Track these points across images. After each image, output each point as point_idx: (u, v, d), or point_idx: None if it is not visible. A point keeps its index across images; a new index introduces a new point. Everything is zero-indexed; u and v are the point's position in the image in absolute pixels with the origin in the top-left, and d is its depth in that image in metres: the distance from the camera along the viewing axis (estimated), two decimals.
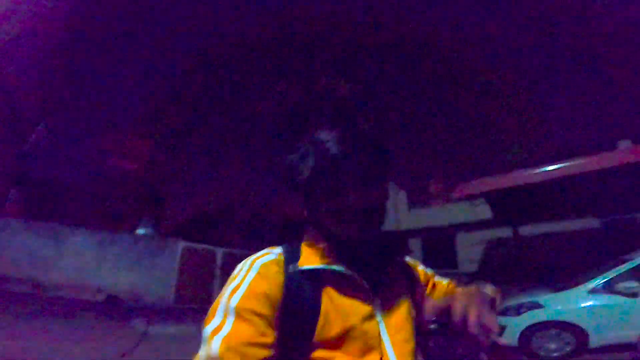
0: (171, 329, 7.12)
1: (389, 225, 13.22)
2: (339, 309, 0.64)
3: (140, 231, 13.28)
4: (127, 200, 14.34)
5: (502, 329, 5.00)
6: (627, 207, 7.70)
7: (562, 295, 4.83)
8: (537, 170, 8.10)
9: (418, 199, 14.36)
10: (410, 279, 0.83)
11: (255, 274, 0.63)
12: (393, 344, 0.66)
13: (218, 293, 0.63)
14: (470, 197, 10.50)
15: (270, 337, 0.58)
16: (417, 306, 0.80)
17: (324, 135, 0.68)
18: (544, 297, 4.92)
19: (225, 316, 0.58)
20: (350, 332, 0.62)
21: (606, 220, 8.25)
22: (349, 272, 0.67)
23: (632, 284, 4.20)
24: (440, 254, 11.17)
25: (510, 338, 4.83)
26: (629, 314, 4.17)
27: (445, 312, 0.72)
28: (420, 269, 0.91)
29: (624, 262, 4.67)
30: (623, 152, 6.97)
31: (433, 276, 0.93)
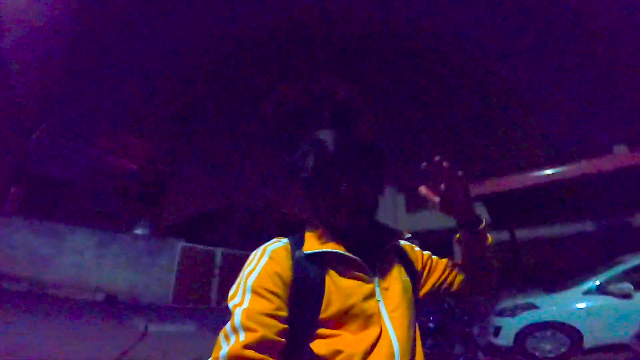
0: (171, 327, 7.12)
1: None
2: (340, 289, 0.70)
3: (138, 231, 13.29)
4: (126, 199, 14.35)
5: (498, 329, 5.07)
6: (622, 210, 7.79)
7: (557, 296, 4.89)
8: (534, 174, 8.19)
9: (416, 203, 14.44)
10: (407, 259, 0.90)
11: (267, 259, 0.70)
12: (392, 320, 0.72)
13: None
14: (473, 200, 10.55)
15: (284, 312, 0.65)
16: (414, 285, 0.87)
17: (322, 135, 0.76)
18: (539, 299, 4.99)
19: (244, 293, 0.65)
20: (352, 310, 0.68)
21: (601, 224, 8.34)
22: (349, 254, 0.74)
23: (626, 286, 4.27)
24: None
25: (505, 339, 4.90)
26: (622, 315, 4.23)
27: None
28: (417, 250, 0.98)
29: (617, 264, 4.75)
30: (618, 157, 7.06)
31: (430, 256, 1.00)
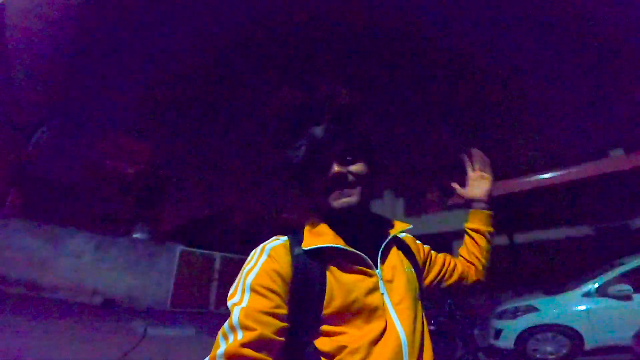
0: (169, 331, 7.08)
1: None
2: (342, 284, 0.69)
3: (137, 235, 13.24)
4: (125, 203, 14.31)
5: (499, 332, 5.08)
6: (620, 214, 7.84)
7: (557, 299, 4.92)
8: (532, 178, 8.25)
9: (414, 207, 14.48)
10: (409, 251, 0.90)
11: (266, 257, 0.69)
12: (398, 313, 0.71)
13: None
14: (466, 205, 10.61)
15: (284, 310, 0.64)
16: (417, 275, 0.86)
17: (315, 129, 0.76)
18: (539, 301, 5.01)
19: (243, 292, 0.64)
20: (355, 304, 0.67)
21: (599, 227, 8.38)
22: (349, 248, 0.72)
23: (625, 287, 4.30)
24: None
25: (506, 341, 4.91)
26: (622, 316, 4.26)
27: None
28: (418, 242, 0.98)
29: (616, 266, 4.79)
30: (615, 161, 7.13)
31: (430, 250, 1.01)
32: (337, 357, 0.64)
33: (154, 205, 16.02)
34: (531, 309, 4.94)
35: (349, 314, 0.67)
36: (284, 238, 0.76)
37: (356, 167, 0.74)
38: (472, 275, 1.07)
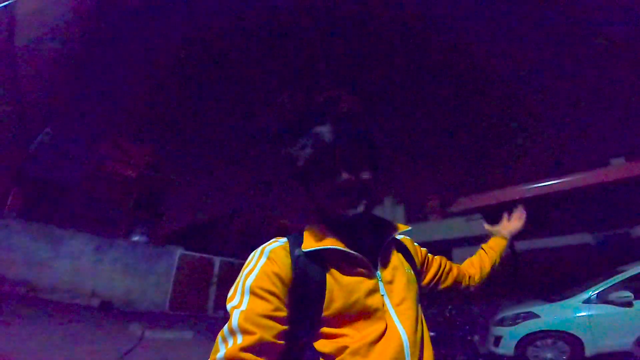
0: (168, 334, 7.03)
1: None
2: (342, 286, 0.69)
3: (136, 237, 13.22)
4: (125, 206, 14.31)
5: (499, 338, 5.04)
6: (621, 222, 7.83)
7: (557, 305, 4.88)
8: (533, 186, 8.25)
9: (415, 214, 14.47)
10: (408, 252, 0.90)
11: (266, 259, 0.69)
12: (398, 314, 0.71)
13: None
14: (467, 213, 10.62)
15: (284, 313, 0.63)
16: (416, 276, 0.86)
17: (320, 129, 0.74)
18: (539, 308, 4.97)
19: (242, 295, 0.64)
20: (355, 306, 0.67)
21: (600, 235, 8.36)
22: (349, 250, 0.72)
23: (626, 294, 4.28)
24: None
25: (506, 348, 4.87)
26: (623, 322, 4.23)
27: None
28: (416, 244, 0.99)
29: (617, 273, 4.77)
30: (616, 169, 7.14)
31: (427, 252, 1.02)
32: (338, 359, 0.64)
33: (154, 209, 16.02)
34: (531, 315, 4.90)
35: (349, 315, 0.67)
36: (284, 240, 0.76)
37: (364, 175, 0.73)
38: (467, 282, 1.10)
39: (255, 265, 0.69)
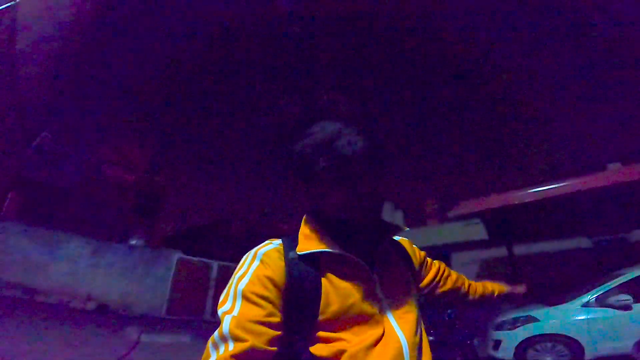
0: (164, 338, 6.97)
1: None
2: (338, 289, 0.67)
3: (134, 241, 13.16)
4: (123, 210, 14.26)
5: (498, 342, 5.02)
6: (618, 226, 7.86)
7: (556, 309, 4.88)
8: (531, 191, 8.26)
9: (414, 219, 14.48)
10: (406, 254, 0.88)
11: (258, 262, 0.67)
12: (396, 317, 0.69)
13: (212, 305, 0.67)
14: (465, 217, 10.63)
15: (277, 318, 0.62)
16: (415, 278, 0.85)
17: (337, 126, 0.71)
18: (538, 312, 4.97)
19: (234, 300, 0.63)
20: (351, 310, 0.65)
21: (597, 240, 8.38)
22: (345, 253, 0.70)
23: (624, 297, 4.28)
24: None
25: (505, 352, 4.85)
26: (622, 325, 4.23)
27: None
28: (415, 246, 0.96)
29: (615, 277, 4.78)
30: (613, 173, 7.18)
31: (426, 256, 1.00)
32: None
33: (152, 212, 15.97)
34: (531, 319, 4.89)
35: (346, 319, 0.65)
36: (277, 242, 0.74)
37: (380, 183, 0.72)
38: (466, 289, 1.11)
39: (247, 269, 0.67)
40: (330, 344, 0.63)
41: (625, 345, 4.12)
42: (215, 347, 0.58)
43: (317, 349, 0.63)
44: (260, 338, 0.58)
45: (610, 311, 4.36)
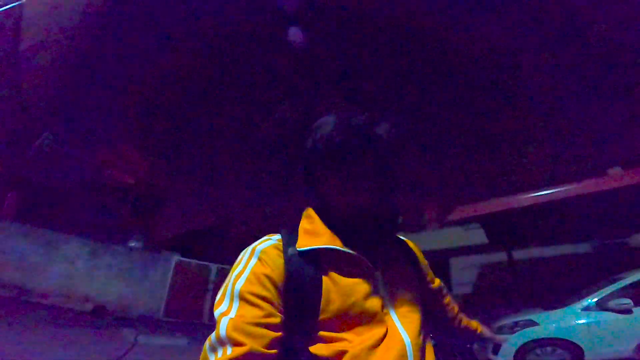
0: (161, 340, 6.92)
1: None
2: (340, 288, 0.64)
3: (132, 244, 13.10)
4: (122, 212, 14.24)
5: (497, 347, 4.98)
6: (618, 230, 7.87)
7: (556, 313, 4.86)
8: (530, 195, 8.29)
9: (412, 223, 14.42)
10: (410, 252, 0.85)
11: (256, 260, 0.65)
12: (400, 316, 0.67)
13: (210, 308, 0.65)
14: (465, 222, 10.64)
15: (276, 319, 0.60)
16: (420, 278, 0.82)
17: (341, 118, 0.72)
18: (538, 315, 4.95)
19: (231, 300, 0.61)
20: (353, 308, 0.63)
21: (597, 244, 8.38)
22: (347, 250, 0.68)
23: (625, 301, 4.26)
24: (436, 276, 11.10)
25: (505, 356, 4.81)
26: (622, 329, 4.21)
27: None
28: (418, 248, 0.93)
29: (615, 281, 4.76)
30: (613, 178, 7.21)
31: (428, 264, 0.96)
32: None
33: (151, 215, 15.93)
34: (530, 323, 4.86)
35: (347, 318, 0.63)
36: (276, 237, 0.72)
37: (383, 177, 0.71)
38: (454, 314, 1.07)
39: (245, 267, 0.65)
40: (331, 344, 0.61)
41: (626, 349, 4.10)
42: (213, 350, 0.56)
43: (317, 349, 0.61)
44: (259, 341, 0.56)
45: (611, 315, 4.34)
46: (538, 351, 4.66)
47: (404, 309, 0.69)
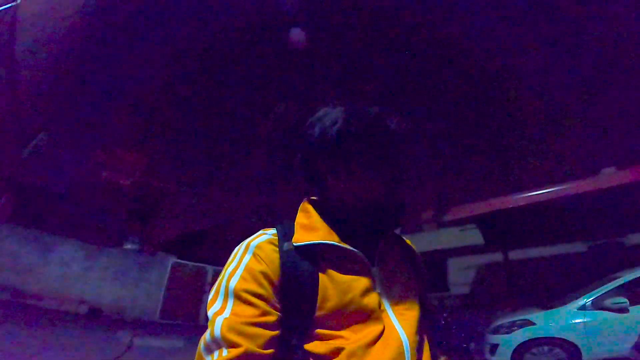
0: (157, 342, 6.88)
1: None
2: (336, 284, 0.63)
3: (128, 246, 13.02)
4: (118, 214, 14.15)
5: (495, 347, 4.99)
6: (613, 230, 7.92)
7: (553, 312, 4.88)
8: (526, 195, 8.34)
9: (409, 224, 14.44)
10: (408, 249, 0.84)
11: (251, 256, 0.64)
12: (397, 314, 0.65)
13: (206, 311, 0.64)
14: (461, 222, 10.68)
15: (273, 317, 0.58)
16: (419, 277, 0.79)
17: (356, 105, 0.72)
18: (535, 315, 4.96)
19: (225, 298, 0.59)
20: (350, 305, 0.62)
21: (593, 244, 8.43)
22: (344, 245, 0.66)
23: (621, 300, 4.28)
24: (432, 277, 11.14)
25: (503, 355, 4.82)
26: (619, 328, 4.22)
27: None
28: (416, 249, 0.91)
29: (611, 280, 4.78)
30: (607, 177, 7.26)
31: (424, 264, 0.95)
32: None
33: (148, 217, 15.84)
34: (527, 323, 4.87)
35: (344, 315, 0.61)
36: (272, 232, 0.70)
37: (386, 169, 0.70)
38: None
39: (239, 263, 0.63)
40: (328, 342, 0.60)
41: (622, 348, 4.12)
42: (208, 351, 0.55)
43: (313, 347, 0.60)
44: (255, 341, 0.54)
45: (607, 314, 4.35)
46: (535, 351, 4.67)
47: (402, 307, 0.67)
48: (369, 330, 0.61)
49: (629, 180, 6.41)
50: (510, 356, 4.75)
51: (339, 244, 0.66)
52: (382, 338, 0.62)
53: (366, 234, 0.71)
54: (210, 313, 0.59)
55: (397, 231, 0.81)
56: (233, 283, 0.60)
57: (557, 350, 4.52)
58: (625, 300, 4.28)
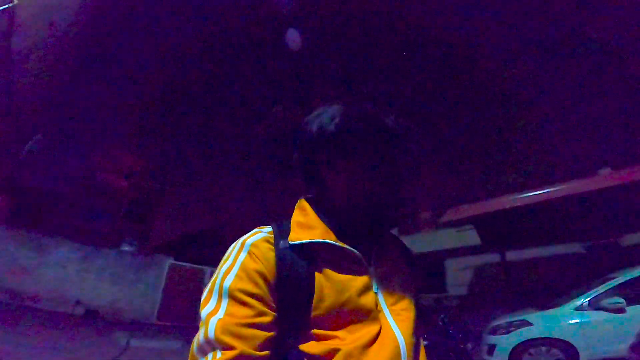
0: (154, 344, 6.85)
1: None
2: (333, 283, 0.62)
3: (125, 247, 12.97)
4: (115, 216, 14.09)
5: (492, 347, 4.99)
6: (610, 230, 7.95)
7: (550, 313, 4.88)
8: (522, 196, 8.36)
9: (407, 225, 14.47)
10: (405, 249, 0.83)
11: (246, 254, 0.62)
12: (394, 314, 0.65)
13: None
14: (459, 223, 10.70)
15: (268, 317, 0.57)
16: (414, 276, 0.79)
17: (355, 103, 0.72)
18: (532, 316, 4.96)
19: (219, 298, 0.58)
20: (346, 305, 0.61)
21: (590, 245, 8.46)
22: (341, 244, 0.65)
23: (618, 300, 4.29)
24: (430, 278, 11.15)
25: (500, 356, 4.82)
26: (616, 328, 4.23)
27: None
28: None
29: (608, 280, 4.80)
30: (603, 178, 7.29)
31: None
32: None
33: (145, 219, 15.78)
34: (524, 323, 4.88)
35: (341, 315, 0.61)
36: (267, 229, 0.68)
37: (386, 167, 0.70)
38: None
39: (233, 262, 0.61)
40: (324, 342, 0.59)
41: (620, 348, 4.13)
42: (201, 353, 0.54)
43: (309, 347, 0.58)
44: (250, 342, 0.53)
45: (604, 314, 4.36)
46: (532, 351, 4.67)
47: (398, 307, 0.67)
48: (366, 331, 0.61)
49: (625, 181, 6.44)
50: (507, 357, 4.75)
51: (335, 243, 0.65)
52: (378, 339, 0.61)
53: (363, 233, 0.71)
54: (203, 313, 0.57)
55: (395, 232, 0.81)
56: (228, 282, 0.58)
57: (555, 350, 4.52)
58: (622, 300, 4.29)
